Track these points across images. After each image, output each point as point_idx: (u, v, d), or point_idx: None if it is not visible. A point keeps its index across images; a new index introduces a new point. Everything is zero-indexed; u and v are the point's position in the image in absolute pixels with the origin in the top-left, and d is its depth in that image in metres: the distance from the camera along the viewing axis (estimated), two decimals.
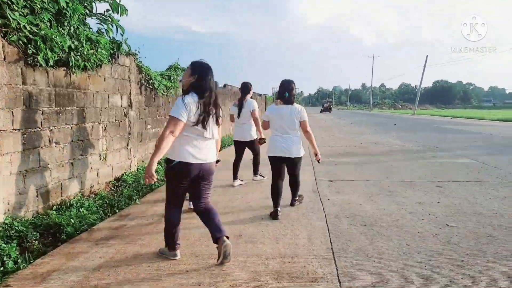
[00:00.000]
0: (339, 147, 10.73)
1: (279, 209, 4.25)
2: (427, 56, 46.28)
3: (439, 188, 5.48)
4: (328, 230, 3.71)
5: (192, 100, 2.82)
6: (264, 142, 5.69)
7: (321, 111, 55.45)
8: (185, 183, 2.96)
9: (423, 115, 48.19)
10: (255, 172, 6.18)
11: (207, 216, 3.10)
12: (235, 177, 5.96)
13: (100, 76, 5.40)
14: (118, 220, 4.17)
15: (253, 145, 5.93)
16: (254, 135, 5.88)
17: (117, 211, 4.53)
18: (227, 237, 2.97)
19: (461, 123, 25.41)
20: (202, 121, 2.83)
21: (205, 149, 2.94)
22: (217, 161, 3.42)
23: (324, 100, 74.50)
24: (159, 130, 8.06)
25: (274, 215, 4.20)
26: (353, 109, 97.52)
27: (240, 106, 5.83)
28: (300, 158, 4.36)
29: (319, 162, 4.57)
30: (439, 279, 2.64)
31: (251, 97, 6.00)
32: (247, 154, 6.05)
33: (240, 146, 6.01)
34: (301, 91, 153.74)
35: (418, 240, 3.40)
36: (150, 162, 2.77)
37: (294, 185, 4.58)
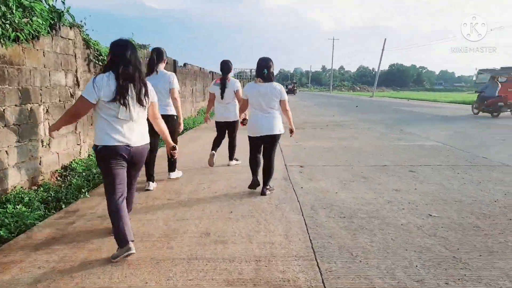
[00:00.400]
0: (305, 130, 10.47)
1: (258, 177, 4.36)
2: (385, 39, 47.27)
3: (413, 173, 5.31)
4: (306, 225, 3.35)
5: (105, 79, 2.68)
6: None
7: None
8: (114, 167, 2.77)
9: (381, 97, 49.58)
10: (231, 157, 5.90)
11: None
12: (213, 149, 5.63)
13: (38, 49, 4.64)
14: (64, 218, 3.58)
15: (235, 126, 5.67)
16: (238, 115, 5.50)
17: (63, 206, 3.93)
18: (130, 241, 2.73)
19: (417, 105, 26.21)
20: (116, 100, 2.67)
21: (128, 132, 2.76)
22: (173, 148, 3.17)
23: (288, 82, 72.09)
24: None
25: (253, 185, 4.35)
26: (314, 91, 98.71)
27: (223, 86, 5.49)
28: (279, 135, 4.32)
29: (291, 136, 4.61)
30: (434, 282, 2.36)
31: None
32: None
33: (222, 127, 5.73)
34: None
35: (403, 234, 3.13)
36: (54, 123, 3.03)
37: (268, 170, 4.35)
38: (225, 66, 5.52)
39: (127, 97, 2.68)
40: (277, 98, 4.22)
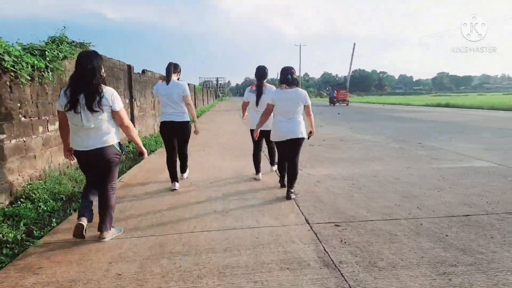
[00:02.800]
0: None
1: (285, 183, 4.56)
2: (354, 44, 46.62)
3: None
4: None
5: (65, 90, 3.04)
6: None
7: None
8: (82, 168, 3.33)
9: (353, 102, 48.45)
10: (272, 162, 5.83)
11: (100, 202, 3.25)
12: (257, 170, 5.45)
13: None
14: None
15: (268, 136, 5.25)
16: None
17: None
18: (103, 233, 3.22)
19: (402, 111, 24.73)
20: (68, 110, 3.02)
21: (85, 137, 3.06)
22: (140, 154, 3.40)
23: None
24: (29, 140, 4.76)
25: (282, 184, 4.81)
26: None
27: (259, 92, 5.23)
28: (303, 139, 4.41)
29: (308, 138, 4.61)
30: None
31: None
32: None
33: (259, 136, 5.27)
34: (229, 81, 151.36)
35: None
36: None
37: (292, 174, 4.44)
38: (262, 72, 5.24)
39: (77, 107, 2.97)
40: (302, 103, 4.36)
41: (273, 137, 4.52)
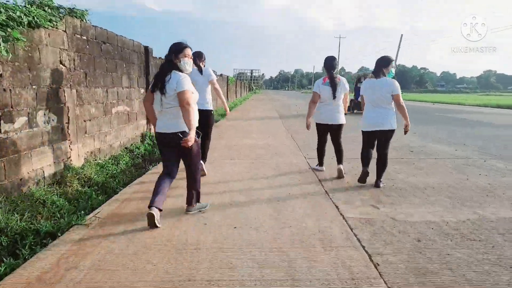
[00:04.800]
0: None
1: (368, 170, 4.52)
2: (401, 35, 42.59)
3: None
4: None
5: None
6: None
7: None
8: (162, 150, 3.46)
9: None
10: (339, 161, 5.12)
11: (187, 178, 3.53)
12: (321, 162, 5.39)
13: None
14: None
15: (341, 130, 5.14)
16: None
17: None
18: (158, 209, 3.21)
19: (457, 111, 21.68)
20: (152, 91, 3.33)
21: (161, 120, 3.33)
22: (198, 135, 3.37)
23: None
24: None
25: (363, 176, 4.53)
26: None
27: (334, 85, 4.92)
28: (393, 130, 4.41)
29: (405, 133, 4.47)
30: None
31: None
32: None
33: (326, 130, 5.18)
34: (263, 74, 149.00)
35: None
36: None
37: (383, 164, 4.46)
38: (333, 64, 4.97)
39: (155, 90, 3.26)
40: (390, 92, 4.33)
41: (362, 127, 4.60)
